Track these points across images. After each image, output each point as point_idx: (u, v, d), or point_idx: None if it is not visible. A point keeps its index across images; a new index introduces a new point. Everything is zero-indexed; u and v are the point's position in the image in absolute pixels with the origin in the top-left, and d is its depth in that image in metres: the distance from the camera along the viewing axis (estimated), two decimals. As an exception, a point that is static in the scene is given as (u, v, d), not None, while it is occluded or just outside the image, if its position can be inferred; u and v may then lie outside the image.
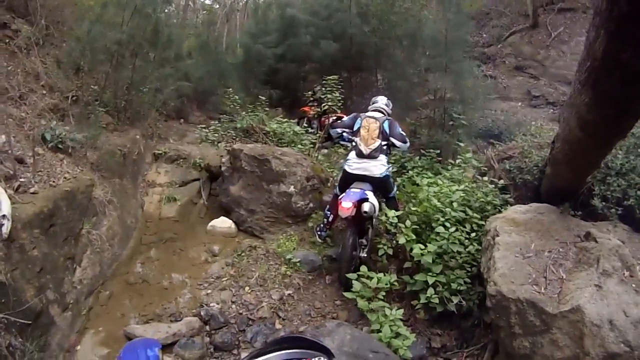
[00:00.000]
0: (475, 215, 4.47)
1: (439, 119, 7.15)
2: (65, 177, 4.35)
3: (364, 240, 4.46)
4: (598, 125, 2.77)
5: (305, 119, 9.30)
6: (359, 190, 4.32)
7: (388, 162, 4.77)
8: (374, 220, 4.47)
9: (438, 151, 6.45)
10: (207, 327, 4.10)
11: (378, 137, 4.64)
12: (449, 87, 6.99)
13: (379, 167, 4.57)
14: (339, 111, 7.47)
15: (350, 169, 4.59)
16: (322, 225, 4.98)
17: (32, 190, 3.82)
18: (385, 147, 4.70)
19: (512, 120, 9.11)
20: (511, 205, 4.59)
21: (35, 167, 4.12)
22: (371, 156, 4.57)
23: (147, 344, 2.08)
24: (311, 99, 8.85)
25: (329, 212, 4.86)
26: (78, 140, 4.86)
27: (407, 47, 8.68)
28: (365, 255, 4.40)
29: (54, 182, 4.17)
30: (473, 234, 4.33)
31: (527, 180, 4.95)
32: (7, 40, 5.36)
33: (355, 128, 4.77)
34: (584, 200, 4.18)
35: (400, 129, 4.81)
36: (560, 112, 9.56)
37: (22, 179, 3.87)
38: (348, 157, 4.72)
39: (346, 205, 4.10)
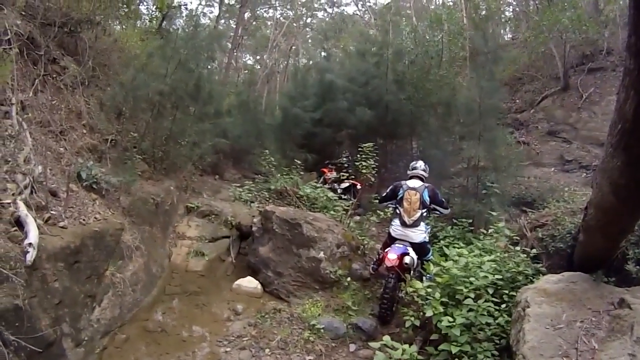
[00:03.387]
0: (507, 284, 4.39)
1: (472, 187, 7.16)
2: (95, 218, 4.45)
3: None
4: (631, 190, 2.71)
5: (322, 179, 9.54)
6: (402, 245, 5.07)
7: (427, 227, 5.39)
8: (411, 271, 5.07)
9: (470, 220, 6.41)
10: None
11: (419, 208, 5.21)
12: (482, 155, 7.02)
13: (418, 234, 5.19)
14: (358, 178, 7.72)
15: (394, 234, 5.24)
16: (374, 263, 5.65)
17: (61, 224, 3.91)
18: (425, 214, 5.29)
19: (545, 186, 8.93)
20: (543, 274, 4.48)
21: (68, 203, 4.22)
22: (413, 225, 5.16)
23: None
24: (333, 162, 9.36)
25: (381, 252, 5.47)
26: (112, 184, 5.00)
27: (441, 115, 8.79)
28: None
29: (84, 220, 4.26)
30: (504, 305, 4.21)
31: (559, 248, 4.88)
32: (55, 76, 5.61)
33: (398, 197, 5.35)
34: (618, 265, 4.07)
35: (440, 195, 5.41)
36: (593, 177, 9.36)
37: (53, 212, 3.96)
38: (393, 223, 5.36)
39: (392, 257, 4.88)
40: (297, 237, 5.50)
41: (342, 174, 8.50)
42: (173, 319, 4.86)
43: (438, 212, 5.43)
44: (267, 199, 7.22)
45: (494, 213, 6.08)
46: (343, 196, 8.51)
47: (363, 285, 5.56)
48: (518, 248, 4.97)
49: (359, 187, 8.22)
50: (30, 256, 3.23)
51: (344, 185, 8.39)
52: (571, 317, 3.47)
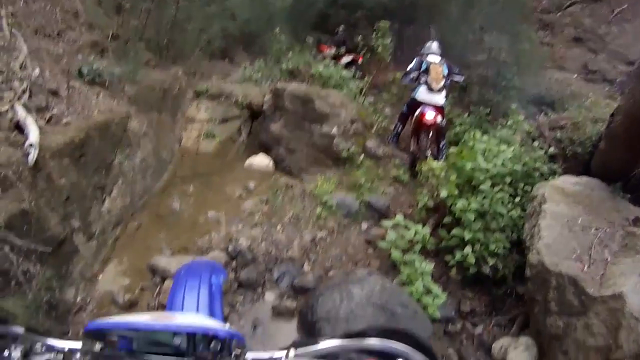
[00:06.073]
0: (522, 178, 4.30)
1: (491, 78, 6.88)
2: (100, 109, 4.26)
3: (441, 146, 5.79)
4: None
5: (321, 56, 9.20)
6: (432, 107, 5.60)
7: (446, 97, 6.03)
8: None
9: (488, 110, 6.31)
10: (234, 263, 4.04)
11: (443, 78, 5.82)
12: (504, 49, 6.74)
13: (442, 98, 5.81)
14: (360, 54, 7.75)
15: (419, 98, 5.76)
16: (392, 136, 6.21)
17: (64, 121, 3.76)
18: (447, 84, 5.96)
19: (566, 91, 8.64)
20: (559, 175, 4.39)
21: (70, 100, 4.03)
22: (438, 91, 5.75)
23: (214, 269, 1.90)
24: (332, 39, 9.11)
25: (399, 123, 6.15)
26: (116, 75, 4.76)
27: (462, 2, 8.28)
28: (442, 158, 5.45)
29: (88, 113, 4.09)
30: (517, 199, 4.15)
31: (577, 152, 4.79)
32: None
33: (422, 68, 5.89)
34: (636, 183, 3.91)
35: (454, 67, 6.11)
36: (620, 84, 9.11)
37: (55, 111, 3.79)
38: (417, 90, 5.86)
39: (430, 115, 5.47)
40: (310, 112, 5.33)
41: (340, 49, 8.32)
42: (185, 202, 4.80)
43: (456, 79, 6.08)
44: (279, 78, 6.94)
45: (513, 105, 5.95)
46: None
47: (376, 164, 5.49)
48: (536, 144, 4.87)
49: (359, 61, 8.07)
50: (32, 157, 3.09)
51: (346, 59, 8.10)
52: (586, 223, 3.42)
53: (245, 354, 0.95)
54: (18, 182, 2.99)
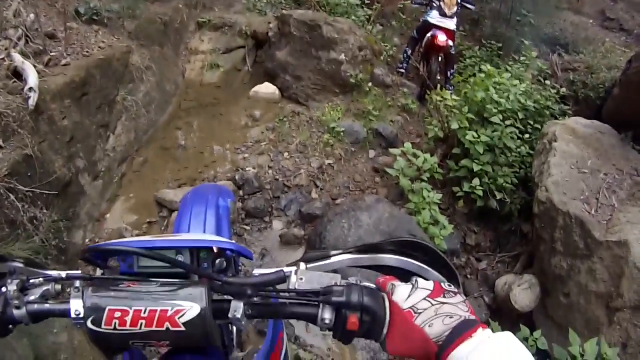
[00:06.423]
0: (531, 115, 4.30)
1: (505, 13, 6.78)
2: (99, 47, 4.16)
3: (449, 75, 5.88)
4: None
5: None
6: (443, 31, 5.52)
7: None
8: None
9: (500, 45, 6.19)
10: (241, 192, 4.00)
11: (456, 4, 5.77)
12: None
13: (454, 23, 5.77)
14: None
15: (432, 21, 5.70)
16: (401, 62, 6.15)
17: (63, 62, 3.67)
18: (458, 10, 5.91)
19: (581, 35, 8.41)
20: (569, 117, 4.38)
21: (68, 41, 3.94)
22: (451, 17, 5.70)
23: (220, 191, 1.85)
24: None
25: (407, 49, 6.11)
26: (115, 11, 4.63)
27: None
28: (450, 89, 5.42)
29: (87, 52, 3.99)
30: (526, 136, 4.14)
31: (589, 96, 4.82)
32: None
33: None
34: None
35: None
36: (637, 36, 8.93)
37: (53, 53, 3.72)
38: (429, 14, 5.80)
39: (442, 38, 5.39)
40: (317, 38, 5.12)
41: None
42: (190, 133, 4.73)
43: (467, 6, 5.95)
44: (284, 6, 6.71)
45: (526, 42, 5.80)
46: None
47: (384, 92, 5.39)
48: (548, 83, 4.79)
49: None
50: (32, 100, 3.03)
51: None
52: (595, 166, 3.41)
53: (252, 271, 0.89)
54: (19, 129, 2.96)
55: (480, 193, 3.84)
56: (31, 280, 0.78)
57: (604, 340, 2.37)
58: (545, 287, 3.31)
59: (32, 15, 3.84)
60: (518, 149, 4.02)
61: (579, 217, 3.00)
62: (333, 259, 0.87)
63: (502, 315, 3.55)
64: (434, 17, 5.76)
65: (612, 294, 2.71)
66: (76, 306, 0.72)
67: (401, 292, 0.69)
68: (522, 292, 3.35)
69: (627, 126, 3.81)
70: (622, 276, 2.67)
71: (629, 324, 2.63)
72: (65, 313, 0.74)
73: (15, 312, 0.74)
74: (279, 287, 0.75)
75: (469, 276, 3.94)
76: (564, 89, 4.73)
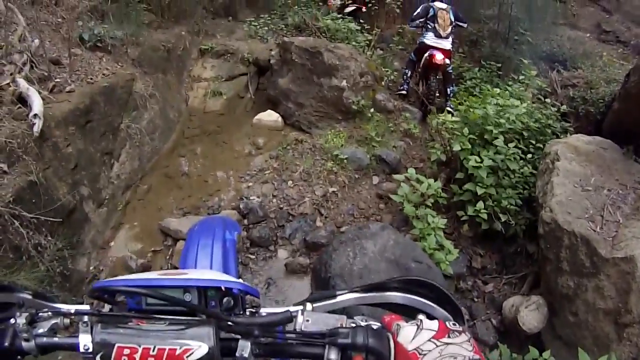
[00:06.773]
0: (533, 134, 4.28)
1: (503, 32, 6.81)
2: (104, 74, 4.20)
3: (449, 92, 5.88)
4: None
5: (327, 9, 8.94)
6: (440, 50, 5.69)
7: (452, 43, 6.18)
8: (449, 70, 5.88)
9: (499, 65, 6.21)
10: (245, 221, 4.00)
11: (450, 25, 5.93)
12: (516, 2, 6.65)
13: (449, 43, 5.96)
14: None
15: (428, 42, 5.87)
16: (401, 85, 6.18)
17: (68, 89, 3.70)
18: (453, 30, 6.09)
19: (579, 50, 8.46)
20: (571, 134, 4.37)
21: (72, 67, 3.98)
22: (446, 37, 5.89)
23: (227, 224, 1.85)
24: None
25: (407, 70, 6.19)
26: (118, 38, 4.66)
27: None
28: (450, 108, 5.22)
29: (91, 79, 4.03)
30: (529, 156, 4.12)
31: (590, 112, 4.78)
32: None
33: (429, 15, 5.98)
34: None
35: (459, 14, 6.20)
36: (634, 46, 8.97)
37: (57, 79, 3.75)
38: (425, 35, 5.95)
39: (439, 56, 5.57)
40: (318, 65, 5.17)
41: (346, 0, 7.94)
42: (194, 161, 4.76)
43: (461, 25, 6.18)
44: (285, 34, 6.77)
45: (525, 61, 5.81)
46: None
47: (387, 117, 5.42)
48: (549, 101, 4.81)
49: (363, 9, 7.75)
50: (37, 127, 3.04)
51: (349, 9, 7.88)
52: (599, 183, 3.41)
53: (259, 309, 0.90)
54: (24, 155, 2.98)
55: (485, 216, 3.81)
56: (40, 314, 0.80)
57: (614, 357, 2.37)
58: (552, 307, 3.29)
59: (37, 41, 3.87)
60: (521, 170, 4.00)
61: (585, 235, 2.98)
62: (339, 299, 0.88)
63: (510, 337, 3.50)
64: (429, 38, 5.91)
65: (621, 310, 2.69)
66: (85, 341, 0.74)
67: (406, 333, 0.70)
68: (530, 314, 3.32)
69: (628, 140, 3.82)
70: (630, 292, 2.65)
71: (639, 339, 2.62)
72: (74, 347, 0.76)
73: (24, 344, 0.76)
74: (286, 327, 0.76)
75: (476, 299, 3.90)
76: (564, 106, 4.75)
